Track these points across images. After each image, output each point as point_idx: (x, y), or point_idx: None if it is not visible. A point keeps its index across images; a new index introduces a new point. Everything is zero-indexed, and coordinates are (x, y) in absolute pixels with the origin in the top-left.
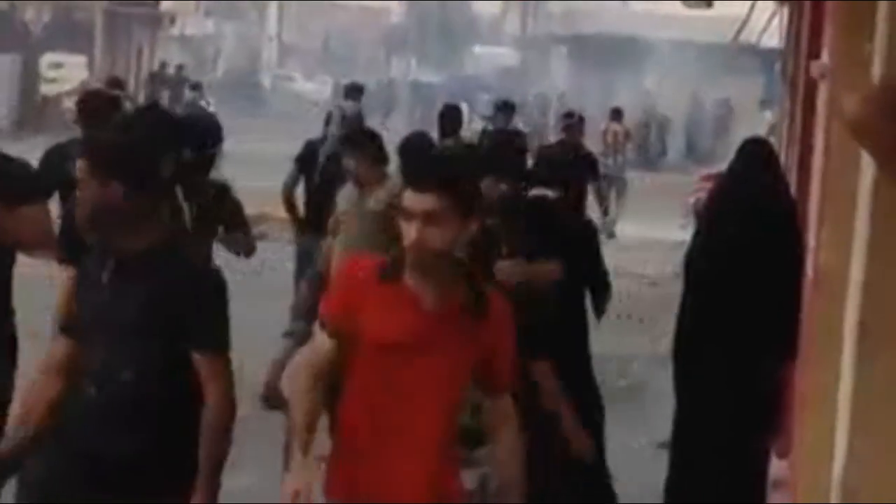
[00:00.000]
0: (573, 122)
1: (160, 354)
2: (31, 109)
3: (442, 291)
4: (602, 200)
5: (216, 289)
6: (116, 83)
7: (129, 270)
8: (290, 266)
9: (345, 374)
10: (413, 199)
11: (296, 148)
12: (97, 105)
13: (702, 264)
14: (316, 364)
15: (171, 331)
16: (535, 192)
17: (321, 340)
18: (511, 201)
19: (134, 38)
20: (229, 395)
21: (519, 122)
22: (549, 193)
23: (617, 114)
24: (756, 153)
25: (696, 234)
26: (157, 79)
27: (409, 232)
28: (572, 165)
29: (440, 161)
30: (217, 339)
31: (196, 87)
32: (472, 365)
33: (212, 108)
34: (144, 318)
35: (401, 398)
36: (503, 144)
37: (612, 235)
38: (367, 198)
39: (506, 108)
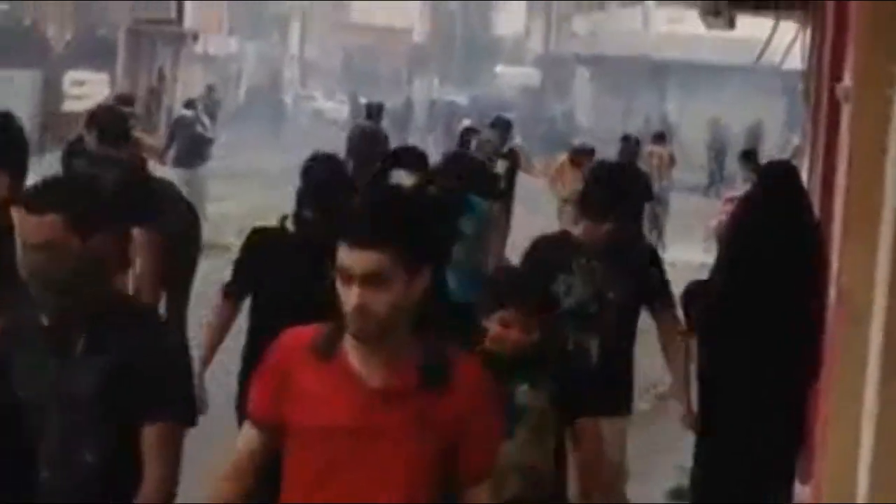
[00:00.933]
0: (629, 145)
1: (122, 432)
2: (54, 126)
3: (391, 364)
4: (655, 222)
5: (177, 351)
6: (126, 100)
7: (96, 335)
8: None
9: (283, 465)
10: (351, 258)
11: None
12: (109, 120)
13: (725, 287)
14: (238, 458)
15: (130, 404)
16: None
17: (245, 431)
18: (617, 243)
19: (157, 57)
20: (172, 474)
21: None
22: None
23: (660, 137)
24: (780, 176)
25: (719, 258)
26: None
27: (349, 297)
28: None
29: (382, 209)
30: (173, 409)
31: (190, 104)
32: (436, 451)
33: (208, 132)
34: (107, 390)
35: (346, 494)
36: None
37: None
38: None
39: (501, 125)
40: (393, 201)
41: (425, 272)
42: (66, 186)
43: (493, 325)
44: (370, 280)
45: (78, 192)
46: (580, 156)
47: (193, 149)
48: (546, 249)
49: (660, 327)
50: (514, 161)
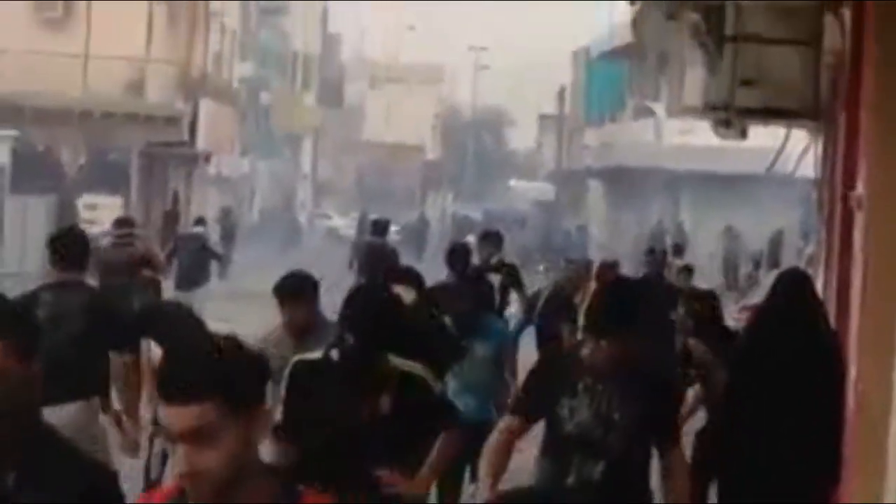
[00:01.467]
0: (655, 257)
1: None
2: None
3: None
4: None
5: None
6: (127, 223)
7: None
8: None
9: None
10: (168, 416)
11: (329, 283)
12: (66, 244)
13: (744, 395)
14: None
15: None
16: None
17: None
18: (628, 363)
19: (170, 179)
20: None
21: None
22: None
23: (678, 249)
24: (794, 285)
25: (736, 368)
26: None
27: (177, 458)
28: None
29: (192, 360)
30: None
31: (200, 222)
32: None
33: (218, 247)
34: None
35: None
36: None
37: None
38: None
39: (491, 238)
40: (205, 350)
41: (261, 411)
42: (7, 313)
43: None
44: (193, 437)
45: (17, 319)
46: (604, 270)
47: (196, 268)
48: (551, 369)
49: (661, 468)
50: (513, 277)
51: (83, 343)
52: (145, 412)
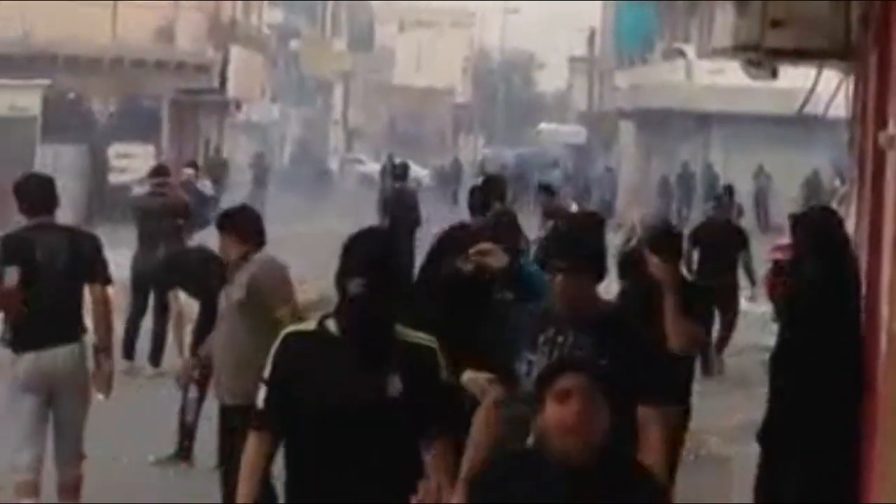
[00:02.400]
0: (724, 200)
1: None
2: (101, 199)
3: None
4: (750, 271)
5: None
6: (161, 171)
7: None
8: None
9: None
10: None
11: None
12: (30, 189)
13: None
14: None
15: None
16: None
17: None
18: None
19: (201, 126)
20: None
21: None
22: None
23: (729, 191)
24: (821, 223)
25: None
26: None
27: None
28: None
29: None
30: None
31: (192, 164)
32: None
33: (210, 191)
34: None
35: None
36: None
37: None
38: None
39: (492, 182)
40: None
41: None
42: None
43: None
44: None
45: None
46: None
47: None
48: (518, 324)
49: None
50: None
51: (67, 281)
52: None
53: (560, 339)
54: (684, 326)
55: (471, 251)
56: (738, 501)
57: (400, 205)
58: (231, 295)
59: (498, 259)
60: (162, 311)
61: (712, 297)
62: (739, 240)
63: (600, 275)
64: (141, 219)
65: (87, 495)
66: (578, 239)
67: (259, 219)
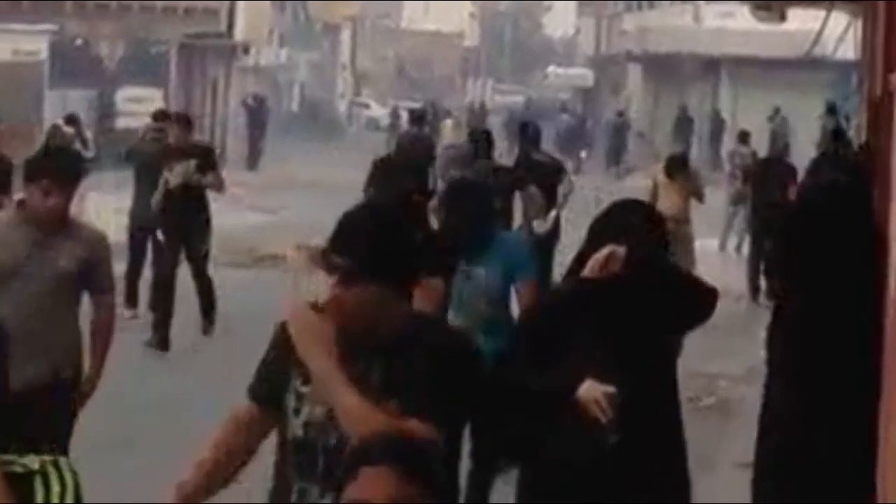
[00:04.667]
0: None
1: None
2: (109, 143)
3: None
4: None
5: None
6: (161, 116)
7: None
8: None
9: None
10: None
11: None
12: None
13: (788, 276)
14: None
15: None
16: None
17: None
18: None
19: (209, 70)
20: None
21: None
22: None
23: (744, 136)
24: (835, 164)
25: (776, 246)
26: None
27: None
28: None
29: None
30: None
31: (71, 120)
32: None
33: (88, 150)
34: None
35: None
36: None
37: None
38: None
39: (528, 131)
40: None
41: None
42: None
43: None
44: None
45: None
46: (677, 168)
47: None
48: None
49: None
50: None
51: None
52: None
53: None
54: None
55: None
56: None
57: (417, 149)
58: None
59: None
60: (160, 256)
61: None
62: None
63: (400, 279)
64: (139, 165)
65: None
66: (368, 228)
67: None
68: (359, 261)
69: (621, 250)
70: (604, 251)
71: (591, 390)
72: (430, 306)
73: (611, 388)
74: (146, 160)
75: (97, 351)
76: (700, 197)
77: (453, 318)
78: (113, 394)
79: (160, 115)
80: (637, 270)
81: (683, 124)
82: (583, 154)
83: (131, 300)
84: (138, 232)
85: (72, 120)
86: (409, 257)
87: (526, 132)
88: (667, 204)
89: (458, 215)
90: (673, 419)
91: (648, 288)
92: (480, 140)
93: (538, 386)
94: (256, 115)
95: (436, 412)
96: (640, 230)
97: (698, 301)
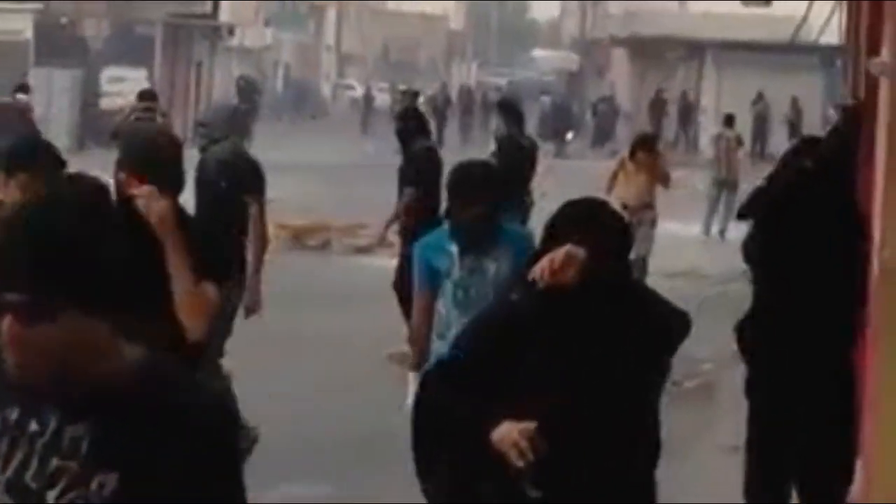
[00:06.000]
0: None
1: None
2: (93, 123)
3: None
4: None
5: None
6: (148, 96)
7: None
8: (358, 279)
9: None
10: None
11: (355, 156)
12: None
13: (767, 258)
14: None
15: None
16: None
17: None
18: None
19: (194, 51)
20: None
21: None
22: None
23: (729, 120)
24: (813, 151)
25: (757, 227)
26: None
27: None
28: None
29: None
30: None
31: (22, 88)
32: None
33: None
34: None
35: None
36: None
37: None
38: None
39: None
40: None
41: None
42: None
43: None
44: None
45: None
46: (646, 149)
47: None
48: None
49: None
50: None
51: None
52: None
53: (32, 428)
54: None
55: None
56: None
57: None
58: None
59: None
60: None
61: None
62: None
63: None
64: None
65: None
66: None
67: None
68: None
69: (580, 252)
70: (560, 251)
71: (507, 432)
72: (199, 320)
73: (531, 425)
74: None
75: None
76: (665, 182)
77: (458, 318)
78: None
79: (147, 95)
80: (598, 279)
81: (657, 105)
82: (569, 136)
83: None
84: None
85: (23, 88)
86: (113, 273)
87: (506, 112)
88: (631, 188)
89: (464, 203)
90: (642, 481)
91: (610, 305)
92: (409, 118)
93: (463, 423)
94: (247, 96)
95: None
96: (602, 232)
97: (667, 325)
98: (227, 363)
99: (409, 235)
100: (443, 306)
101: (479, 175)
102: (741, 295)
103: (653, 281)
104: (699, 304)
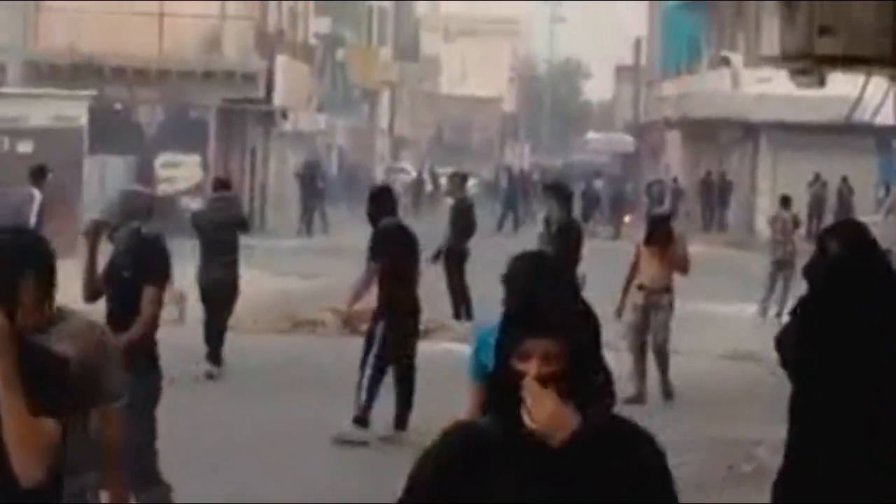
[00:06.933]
0: None
1: None
2: None
3: None
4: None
5: None
6: (224, 184)
7: None
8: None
9: None
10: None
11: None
12: None
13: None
14: None
15: None
16: None
17: None
18: None
19: (248, 135)
20: None
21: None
22: None
23: (785, 201)
24: (854, 234)
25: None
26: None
27: None
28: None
29: None
30: None
31: (37, 173)
32: None
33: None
34: None
35: None
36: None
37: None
38: None
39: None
40: None
41: None
42: None
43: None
44: None
45: None
46: (656, 231)
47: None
48: None
49: None
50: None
51: None
52: None
53: None
54: None
55: None
56: None
57: (467, 213)
58: None
59: None
60: (220, 323)
61: None
62: None
63: None
64: (204, 233)
65: None
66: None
67: None
68: None
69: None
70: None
71: None
72: (33, 458)
73: None
74: (210, 228)
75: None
76: (684, 267)
77: None
78: None
79: (219, 184)
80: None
81: (705, 187)
82: (626, 219)
83: (215, 359)
84: (208, 295)
85: (37, 173)
86: None
87: (556, 194)
88: (649, 271)
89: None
90: None
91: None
92: (376, 197)
93: None
94: (309, 182)
95: None
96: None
97: (640, 462)
98: None
99: (377, 313)
100: None
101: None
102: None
103: (707, 364)
104: (754, 390)
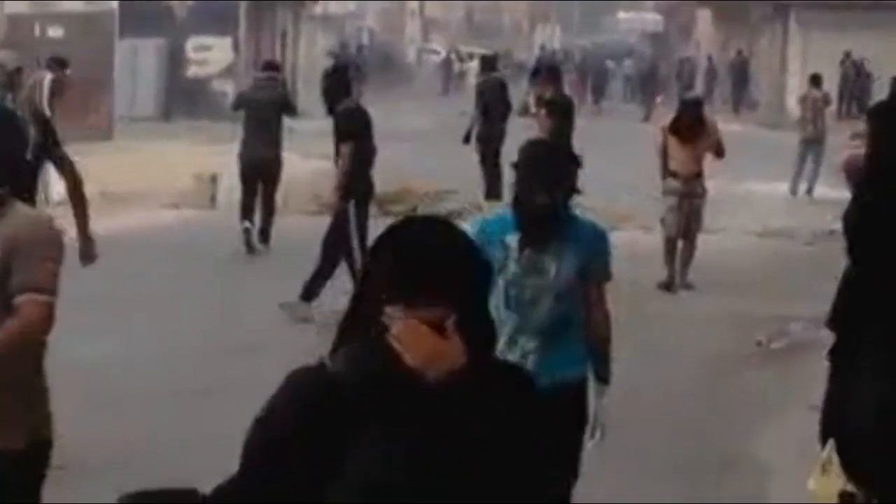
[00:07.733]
0: None
1: None
2: (180, 93)
3: None
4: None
5: None
6: (271, 66)
7: None
8: None
9: None
10: None
11: (438, 121)
12: None
13: (865, 232)
14: None
15: None
16: None
17: None
18: None
19: (278, 20)
20: None
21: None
22: None
23: (816, 80)
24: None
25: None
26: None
27: None
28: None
29: None
30: None
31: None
32: None
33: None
34: None
35: None
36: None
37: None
38: None
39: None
40: None
41: None
42: None
43: None
44: None
45: None
46: (687, 116)
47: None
48: None
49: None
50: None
51: None
52: None
53: None
54: None
55: None
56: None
57: (493, 94)
58: None
59: None
60: (268, 202)
61: None
62: None
63: None
64: (250, 112)
65: None
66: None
67: None
68: None
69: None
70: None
71: None
72: None
73: None
74: (256, 107)
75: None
76: (719, 152)
77: (509, 321)
78: None
79: (269, 65)
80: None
81: (738, 67)
82: (658, 99)
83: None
84: (249, 177)
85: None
86: None
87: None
88: (677, 157)
89: (536, 187)
90: None
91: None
92: (331, 78)
93: None
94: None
95: None
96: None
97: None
98: None
99: (346, 193)
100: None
101: (553, 156)
102: (830, 254)
103: (741, 241)
104: (786, 264)
